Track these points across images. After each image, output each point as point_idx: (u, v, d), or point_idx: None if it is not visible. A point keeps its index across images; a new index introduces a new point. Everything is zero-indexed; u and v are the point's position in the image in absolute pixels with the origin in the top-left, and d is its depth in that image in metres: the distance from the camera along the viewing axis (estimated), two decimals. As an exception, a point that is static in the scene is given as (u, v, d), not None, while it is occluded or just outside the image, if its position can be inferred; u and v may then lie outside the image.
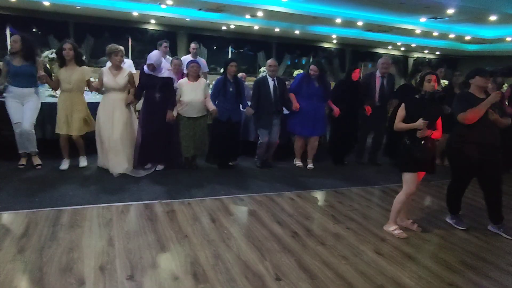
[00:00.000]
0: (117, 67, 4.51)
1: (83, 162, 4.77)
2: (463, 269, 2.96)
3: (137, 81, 4.65)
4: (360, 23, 9.37)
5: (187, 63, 5.10)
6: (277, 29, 10.86)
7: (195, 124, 4.86)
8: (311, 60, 12.96)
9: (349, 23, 9.56)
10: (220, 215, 3.63)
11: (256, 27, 10.77)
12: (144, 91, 4.66)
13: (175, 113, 4.74)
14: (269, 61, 5.19)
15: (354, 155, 6.03)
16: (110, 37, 10.50)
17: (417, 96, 3.44)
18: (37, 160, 4.60)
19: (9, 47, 10.15)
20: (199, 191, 4.26)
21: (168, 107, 4.62)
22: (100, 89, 4.61)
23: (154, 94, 4.57)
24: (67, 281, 2.41)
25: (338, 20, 9.13)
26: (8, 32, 10.27)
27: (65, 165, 4.62)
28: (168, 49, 6.37)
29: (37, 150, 4.56)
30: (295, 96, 5.28)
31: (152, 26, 11.43)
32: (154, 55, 4.50)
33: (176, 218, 3.50)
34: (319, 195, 4.48)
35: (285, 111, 5.45)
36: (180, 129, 4.84)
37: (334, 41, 13.10)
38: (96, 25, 10.53)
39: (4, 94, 4.38)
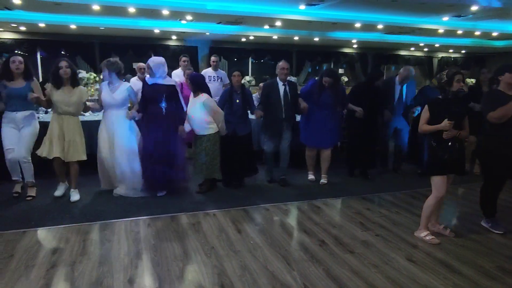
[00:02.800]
0: (114, 83, 4.32)
1: (75, 196, 4.25)
2: (502, 275, 2.81)
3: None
4: (380, 26, 9.25)
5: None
6: (296, 37, 10.88)
7: (201, 142, 4.53)
8: (324, 68, 12.92)
9: (369, 27, 9.46)
10: (245, 226, 3.62)
11: (275, 37, 10.83)
12: (147, 104, 4.35)
13: (187, 128, 4.49)
14: (281, 63, 4.75)
15: (379, 164, 5.76)
16: (133, 55, 10.83)
17: (440, 97, 3.34)
18: (32, 192, 4.27)
19: (40, 70, 10.63)
20: (223, 202, 4.26)
21: (176, 120, 4.37)
22: (96, 109, 4.51)
23: (159, 104, 4.30)
24: (97, 295, 2.46)
25: (358, 25, 9.05)
26: (38, 56, 10.79)
27: (60, 191, 4.35)
28: (187, 63, 6.47)
29: (33, 181, 4.27)
30: (305, 102, 4.91)
31: (173, 42, 11.71)
32: (156, 59, 4.37)
33: (202, 229, 3.51)
34: (346, 203, 4.39)
35: (298, 118, 5.18)
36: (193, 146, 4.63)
37: (355, 46, 12.97)
38: (120, 44, 10.88)
39: (2, 120, 4.13)
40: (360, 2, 7.41)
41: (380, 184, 5.10)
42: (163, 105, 4.33)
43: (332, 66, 13.21)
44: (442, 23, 9.11)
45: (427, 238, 3.36)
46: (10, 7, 7.66)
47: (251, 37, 11.05)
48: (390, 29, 9.82)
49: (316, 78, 5.31)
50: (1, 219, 3.65)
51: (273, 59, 12.60)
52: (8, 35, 10.42)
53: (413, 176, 5.46)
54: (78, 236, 3.32)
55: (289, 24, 9.13)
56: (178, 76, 6.16)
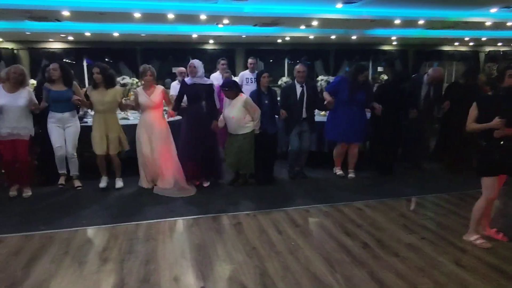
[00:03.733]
0: (150, 86, 4.62)
1: (119, 183, 4.76)
2: None
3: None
4: (421, 22, 8.92)
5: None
6: (333, 36, 10.74)
7: (237, 140, 4.70)
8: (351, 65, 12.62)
9: (409, 23, 9.15)
10: (286, 227, 3.62)
11: (311, 36, 10.75)
12: (186, 104, 4.66)
13: (220, 125, 4.70)
14: (297, 67, 4.99)
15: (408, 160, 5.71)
16: (173, 59, 11.14)
17: (490, 93, 3.17)
18: (78, 183, 4.74)
19: (86, 77, 11.20)
20: (263, 203, 4.28)
21: (213, 116, 4.63)
22: (136, 107, 4.74)
23: (199, 103, 4.58)
24: (145, 292, 2.56)
25: (398, 21, 8.78)
26: (84, 63, 11.38)
27: (103, 183, 4.73)
28: (225, 66, 6.57)
29: (78, 173, 4.74)
30: (332, 98, 5.03)
31: (210, 45, 11.93)
32: (196, 61, 4.66)
33: (243, 230, 3.55)
34: (388, 205, 4.26)
35: (319, 119, 5.34)
36: (226, 144, 4.84)
37: (395, 43, 12.60)
38: (160, 49, 11.25)
39: (48, 119, 4.52)
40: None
41: (424, 185, 4.92)
42: (203, 103, 4.61)
43: (371, 64, 12.92)
44: (489, 15, 8.63)
45: (478, 242, 3.20)
46: (60, 19, 8.13)
47: (287, 38, 11.03)
48: (432, 24, 9.45)
49: (344, 75, 5.35)
50: (55, 218, 3.88)
51: (309, 59, 12.51)
52: (58, 45, 11.08)
53: (461, 177, 5.21)
54: (125, 235, 3.47)
55: (326, 23, 9.03)
56: (216, 79, 6.26)
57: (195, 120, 4.63)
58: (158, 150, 4.60)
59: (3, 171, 4.82)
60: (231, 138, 4.76)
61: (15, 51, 10.87)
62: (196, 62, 4.67)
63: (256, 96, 4.86)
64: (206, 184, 4.84)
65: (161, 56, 11.35)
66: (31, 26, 8.85)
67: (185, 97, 4.72)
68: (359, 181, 5.17)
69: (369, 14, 8.30)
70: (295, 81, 5.02)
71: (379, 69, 12.95)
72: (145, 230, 3.59)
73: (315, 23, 8.99)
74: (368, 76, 5.26)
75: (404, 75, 5.51)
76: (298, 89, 4.95)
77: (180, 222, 3.77)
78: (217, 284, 2.66)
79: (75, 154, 4.64)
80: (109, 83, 4.59)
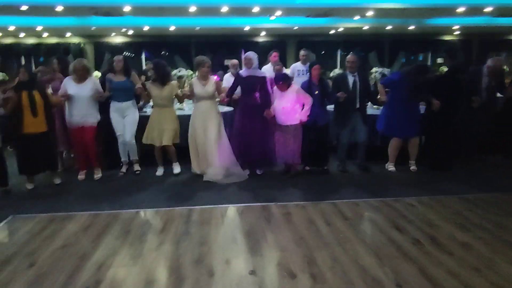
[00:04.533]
0: (205, 77, 4.81)
1: (176, 168, 5.08)
2: None
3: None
4: (488, 9, 8.31)
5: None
6: (389, 27, 10.36)
7: (286, 132, 4.81)
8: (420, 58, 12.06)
9: (474, 11, 8.57)
10: (335, 219, 3.64)
11: (366, 27, 10.44)
12: (240, 95, 4.88)
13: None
14: (348, 57, 5.02)
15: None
16: (226, 52, 11.38)
17: None
18: (137, 167, 5.11)
19: (144, 68, 11.78)
20: (312, 194, 4.33)
21: (266, 107, 4.76)
22: (191, 96, 4.93)
23: (253, 94, 4.75)
24: (199, 272, 2.73)
25: (461, 9, 8.26)
26: (143, 56, 11.98)
27: (160, 171, 5.05)
28: (277, 58, 6.61)
29: (137, 158, 5.10)
30: (385, 97, 5.07)
31: (262, 38, 12.00)
32: (251, 53, 4.84)
33: (292, 220, 3.63)
34: (443, 202, 4.11)
35: (371, 111, 5.29)
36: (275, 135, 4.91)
37: (457, 32, 11.86)
38: (213, 42, 11.53)
39: (110, 109, 4.90)
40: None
41: (481, 183, 4.68)
42: (258, 94, 4.76)
43: (430, 55, 12.30)
44: None
45: (541, 245, 3.02)
46: (122, 13, 8.63)
47: (340, 29, 10.82)
48: (502, 11, 8.75)
49: (402, 72, 5.20)
50: (118, 199, 4.22)
51: (363, 50, 12.17)
52: (119, 39, 11.75)
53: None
54: (181, 218, 3.69)
55: (381, 13, 8.73)
56: (267, 71, 6.34)
57: (249, 111, 4.79)
58: (211, 139, 4.79)
59: (72, 155, 5.31)
60: (282, 129, 4.83)
61: (82, 45, 11.69)
62: (252, 54, 4.82)
63: (307, 87, 4.90)
64: (259, 172, 5.04)
65: (214, 49, 11.64)
66: (96, 22, 9.48)
67: (238, 89, 4.89)
68: (412, 176, 5.05)
69: (429, 2, 7.91)
70: (347, 71, 5.03)
71: (439, 60, 12.29)
72: (199, 214, 3.79)
73: (370, 13, 8.73)
74: (429, 77, 5.12)
75: (460, 67, 5.25)
76: (350, 79, 4.96)
77: (232, 209, 3.94)
78: (266, 269, 2.76)
79: (133, 141, 4.97)
80: (164, 79, 4.86)
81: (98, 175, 4.94)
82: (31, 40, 11.44)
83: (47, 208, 3.97)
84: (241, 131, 4.85)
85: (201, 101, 4.85)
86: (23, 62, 11.47)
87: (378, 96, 5.20)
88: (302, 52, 6.71)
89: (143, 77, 5.67)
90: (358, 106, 4.95)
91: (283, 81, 4.75)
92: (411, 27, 10.46)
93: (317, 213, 3.78)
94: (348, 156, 5.26)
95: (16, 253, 3.02)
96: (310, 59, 6.87)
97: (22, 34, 11.01)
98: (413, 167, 5.20)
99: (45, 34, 11.12)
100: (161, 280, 2.64)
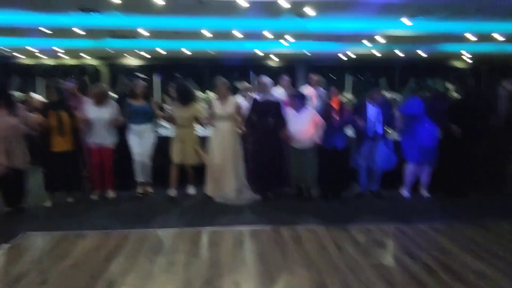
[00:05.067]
0: (224, 97, 4.86)
1: (192, 190, 5.12)
2: None
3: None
4: (499, 36, 8.39)
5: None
6: (399, 52, 10.49)
7: (302, 155, 4.83)
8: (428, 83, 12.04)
9: (485, 37, 8.66)
10: (346, 244, 3.60)
11: (376, 52, 10.60)
12: (255, 119, 4.84)
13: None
14: (374, 91, 5.10)
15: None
16: (237, 75, 11.59)
17: None
18: (150, 188, 5.12)
19: (154, 91, 11.99)
20: (324, 219, 4.29)
21: (280, 132, 4.77)
22: (211, 120, 4.88)
23: (267, 119, 4.76)
24: (209, 294, 2.71)
25: (471, 36, 8.37)
26: (156, 78, 12.23)
27: (173, 192, 4.97)
28: (289, 83, 6.71)
29: (150, 180, 5.11)
30: (406, 118, 5.08)
31: (273, 62, 12.23)
32: (266, 77, 4.94)
33: (302, 243, 3.60)
34: (455, 228, 4.04)
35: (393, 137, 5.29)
36: (291, 158, 4.91)
37: (467, 59, 11.94)
38: (225, 65, 11.77)
39: (128, 130, 4.93)
40: (473, 12, 6.88)
41: (498, 211, 4.60)
42: (272, 119, 4.79)
43: (439, 81, 12.31)
44: None
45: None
46: (137, 37, 8.91)
47: (350, 54, 10.99)
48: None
49: (420, 97, 5.23)
50: (129, 219, 4.24)
51: (373, 75, 12.30)
52: (134, 61, 12.09)
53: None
54: (191, 240, 3.69)
55: (391, 39, 8.88)
56: (279, 95, 6.43)
57: (263, 135, 4.83)
58: (227, 160, 4.79)
59: (86, 175, 5.35)
60: (296, 152, 4.86)
61: (98, 67, 12.02)
62: (267, 80, 4.92)
63: (325, 111, 4.99)
64: (271, 195, 5.00)
65: (226, 72, 11.85)
66: (112, 44, 9.79)
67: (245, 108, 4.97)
68: (425, 202, 5.01)
69: (440, 29, 8.03)
70: (367, 100, 5.04)
71: (448, 86, 12.32)
72: (210, 236, 3.79)
73: (380, 39, 8.88)
74: (445, 103, 5.21)
75: (473, 92, 5.28)
76: (371, 108, 4.98)
77: (242, 231, 3.91)
78: (277, 293, 2.74)
79: (149, 162, 5.02)
80: (185, 100, 4.91)
81: (112, 195, 5.00)
82: (49, 61, 11.82)
83: (59, 225, 4.01)
84: (255, 155, 4.89)
85: (219, 121, 4.86)
86: (40, 82, 11.79)
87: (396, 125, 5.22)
88: (313, 77, 6.79)
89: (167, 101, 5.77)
90: (373, 135, 4.95)
91: (300, 98, 4.91)
92: (421, 53, 10.58)
93: (328, 237, 3.74)
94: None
95: (29, 270, 3.04)
96: (321, 84, 6.97)
97: (41, 55, 11.40)
98: (426, 194, 5.17)
99: (63, 56, 11.49)
100: (171, 302, 2.63)
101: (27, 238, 3.71)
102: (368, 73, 12.15)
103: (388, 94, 8.18)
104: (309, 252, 3.41)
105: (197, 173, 5.08)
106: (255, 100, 5.01)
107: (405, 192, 5.21)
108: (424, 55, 10.81)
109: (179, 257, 3.30)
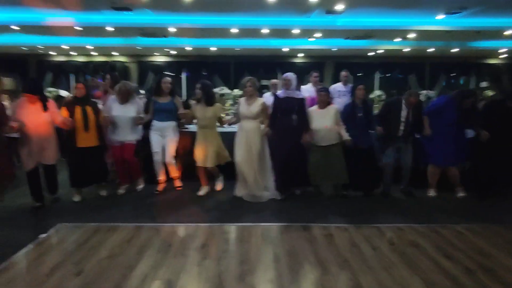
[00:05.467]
0: (251, 97, 4.76)
1: (219, 185, 5.14)
2: None
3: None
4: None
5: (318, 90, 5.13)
6: (430, 49, 10.18)
7: (327, 152, 4.74)
8: (461, 81, 11.67)
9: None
10: (379, 243, 3.52)
11: (406, 49, 10.33)
12: (279, 116, 4.72)
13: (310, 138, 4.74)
14: (411, 96, 4.80)
15: None
16: (263, 72, 11.56)
17: None
18: (178, 183, 5.14)
19: (185, 88, 12.12)
20: (354, 217, 4.22)
21: (303, 129, 4.67)
22: (234, 122, 4.94)
23: (290, 116, 4.64)
24: (242, 289, 2.70)
25: (508, 32, 8.02)
26: (183, 75, 12.37)
27: (202, 191, 4.98)
28: (317, 79, 6.62)
29: (177, 175, 5.10)
30: (431, 119, 4.89)
31: (299, 59, 12.13)
32: (290, 74, 4.79)
33: (334, 242, 3.54)
34: (494, 230, 3.87)
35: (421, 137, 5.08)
36: (310, 157, 4.82)
37: (503, 56, 11.46)
38: (252, 62, 11.77)
39: (151, 127, 4.96)
40: (510, 6, 6.59)
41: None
42: (294, 116, 4.66)
43: (472, 79, 11.92)
44: None
45: None
46: (166, 35, 9.02)
47: (380, 51, 10.75)
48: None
49: (449, 95, 5.05)
50: (159, 213, 4.30)
51: (402, 72, 12.00)
52: (162, 59, 12.26)
53: None
54: (221, 235, 3.70)
55: (424, 35, 8.63)
56: (307, 91, 6.36)
57: (286, 133, 4.68)
58: (252, 159, 4.71)
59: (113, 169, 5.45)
60: (318, 150, 4.76)
61: (127, 64, 12.26)
62: (290, 76, 4.79)
63: (350, 108, 4.85)
64: (298, 192, 4.96)
65: (252, 70, 11.86)
66: (141, 42, 9.96)
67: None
68: (457, 203, 4.83)
69: (475, 25, 7.73)
70: (403, 102, 4.84)
71: (482, 84, 11.87)
72: (239, 232, 3.79)
73: (412, 35, 8.64)
74: (475, 102, 5.00)
75: (510, 91, 5.06)
76: (404, 110, 4.82)
77: (272, 228, 3.89)
78: (310, 290, 2.70)
79: (173, 161, 5.00)
80: (209, 100, 4.88)
81: (140, 186, 5.10)
82: (81, 58, 12.15)
83: (92, 218, 4.09)
84: (277, 153, 4.76)
85: (244, 121, 4.81)
86: (72, 79, 12.17)
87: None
88: (344, 73, 6.67)
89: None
90: (400, 135, 4.82)
91: (325, 91, 4.83)
92: (454, 50, 10.23)
93: (360, 236, 3.67)
94: (394, 180, 5.07)
95: (64, 261, 3.12)
96: (350, 81, 6.84)
97: (73, 53, 11.73)
98: (460, 194, 4.99)
99: (94, 53, 11.78)
100: (204, 296, 2.64)
101: (61, 230, 3.81)
102: (397, 70, 11.84)
103: (423, 91, 7.95)
104: (341, 251, 3.34)
105: (225, 168, 5.09)
106: (276, 96, 4.91)
107: (431, 192, 5.06)
108: (456, 51, 10.44)
109: (210, 252, 3.31)
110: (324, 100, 4.78)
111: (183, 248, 3.36)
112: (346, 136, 4.68)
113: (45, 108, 4.33)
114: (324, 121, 4.71)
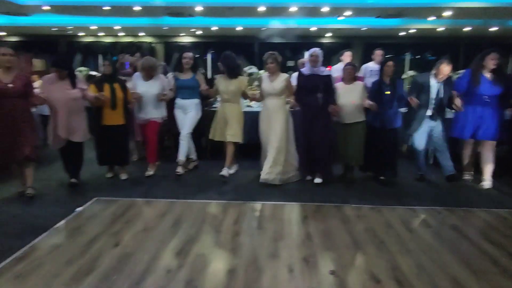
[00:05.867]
0: (273, 73, 4.54)
1: (228, 170, 4.76)
2: None
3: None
4: None
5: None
6: (467, 28, 9.70)
7: (349, 131, 4.54)
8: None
9: None
10: (416, 225, 3.42)
11: (440, 29, 9.87)
12: (303, 95, 4.49)
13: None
14: (442, 65, 4.43)
15: None
16: (289, 53, 11.35)
17: None
18: (195, 163, 5.06)
19: (210, 68, 12.06)
20: (387, 199, 4.09)
21: (329, 108, 4.39)
22: (259, 99, 4.73)
23: (315, 95, 4.41)
24: (277, 266, 2.66)
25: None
26: (208, 55, 12.30)
27: (224, 171, 4.68)
28: (350, 58, 6.42)
29: (192, 157, 5.01)
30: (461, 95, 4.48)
31: (327, 39, 11.82)
32: (318, 50, 4.50)
33: (369, 223, 3.45)
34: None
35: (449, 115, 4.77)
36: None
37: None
38: (278, 42, 11.55)
39: (175, 105, 4.85)
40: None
41: None
42: (320, 95, 4.43)
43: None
44: None
45: None
46: (192, 14, 8.93)
47: (412, 31, 10.34)
48: None
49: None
50: (189, 190, 4.31)
51: (434, 54, 11.55)
52: (187, 39, 12.21)
53: None
54: (253, 213, 3.69)
55: (460, 13, 8.20)
56: (338, 71, 6.19)
57: (311, 112, 4.48)
58: (275, 138, 4.52)
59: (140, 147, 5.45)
60: (349, 126, 4.55)
61: (153, 45, 12.29)
62: (318, 51, 4.48)
63: (377, 86, 4.54)
64: (318, 181, 4.57)
65: (278, 50, 11.62)
66: (167, 22, 9.92)
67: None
68: (499, 187, 4.58)
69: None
70: (432, 76, 4.50)
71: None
72: (271, 210, 3.75)
73: (448, 13, 8.23)
74: (502, 64, 4.52)
75: None
76: (434, 85, 4.47)
77: (304, 207, 3.82)
78: (348, 270, 2.63)
79: (190, 136, 4.81)
80: (232, 72, 4.68)
81: (150, 172, 4.83)
82: (108, 39, 12.25)
83: (126, 194, 4.14)
84: (302, 134, 4.56)
85: (268, 98, 4.62)
86: (100, 59, 12.31)
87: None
88: (378, 52, 6.43)
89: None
90: (431, 114, 4.51)
91: (352, 65, 4.66)
92: (493, 29, 9.71)
93: (396, 218, 3.57)
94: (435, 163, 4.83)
95: (102, 232, 3.17)
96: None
97: (101, 33, 11.83)
98: (485, 183, 4.52)
99: (121, 34, 11.84)
100: (240, 270, 2.62)
101: (98, 203, 3.88)
102: (429, 51, 11.40)
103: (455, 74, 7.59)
104: (376, 232, 3.26)
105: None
106: (300, 73, 4.61)
107: (466, 175, 4.79)
108: (495, 30, 9.91)
109: (243, 228, 3.29)
110: (351, 74, 4.57)
111: (216, 224, 3.36)
112: (368, 103, 4.38)
113: (74, 84, 4.28)
114: (350, 97, 4.49)
